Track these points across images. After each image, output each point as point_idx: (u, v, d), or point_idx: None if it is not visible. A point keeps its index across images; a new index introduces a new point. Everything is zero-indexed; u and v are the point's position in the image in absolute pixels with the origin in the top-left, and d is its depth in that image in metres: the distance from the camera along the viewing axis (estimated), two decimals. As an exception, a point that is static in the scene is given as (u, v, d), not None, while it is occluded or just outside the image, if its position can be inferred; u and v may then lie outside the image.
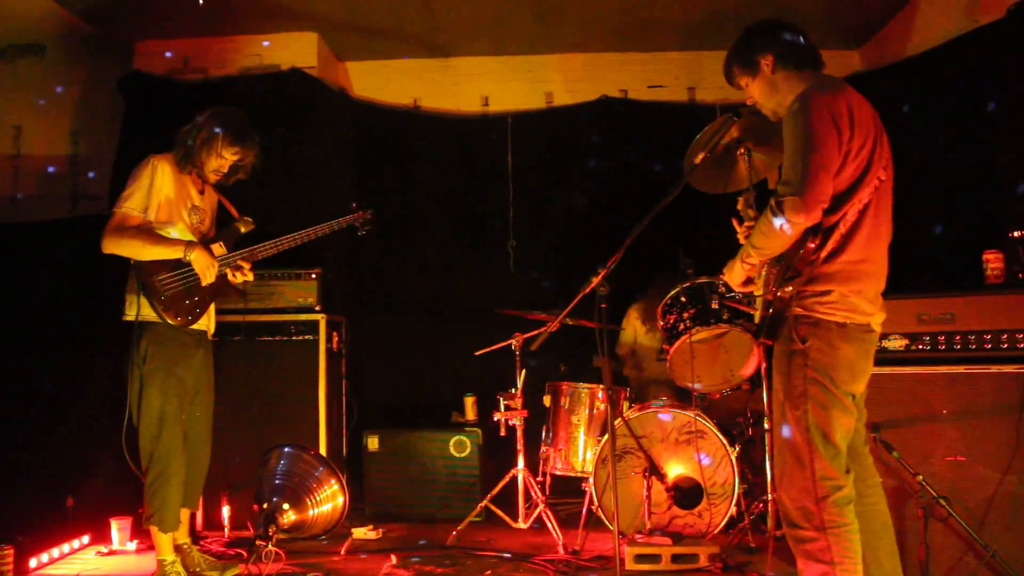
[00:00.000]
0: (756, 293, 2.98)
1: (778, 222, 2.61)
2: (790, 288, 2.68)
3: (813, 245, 2.64)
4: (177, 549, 3.86)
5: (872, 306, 2.75)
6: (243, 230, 3.99)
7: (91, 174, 6.06)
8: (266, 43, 5.93)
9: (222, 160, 3.89)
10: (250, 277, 3.99)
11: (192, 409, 3.90)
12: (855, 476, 2.73)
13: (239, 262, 3.92)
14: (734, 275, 2.97)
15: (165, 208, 3.80)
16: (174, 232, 3.82)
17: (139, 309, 3.71)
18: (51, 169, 6.12)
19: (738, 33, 3.04)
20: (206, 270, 3.77)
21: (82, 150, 6.13)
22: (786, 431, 2.73)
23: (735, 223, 3.16)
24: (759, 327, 2.84)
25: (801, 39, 2.94)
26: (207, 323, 3.98)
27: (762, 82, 2.96)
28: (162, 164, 3.81)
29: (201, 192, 4.00)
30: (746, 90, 3.04)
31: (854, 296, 2.69)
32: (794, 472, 2.69)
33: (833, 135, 2.62)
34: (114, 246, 3.69)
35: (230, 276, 3.95)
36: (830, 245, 2.69)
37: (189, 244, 3.76)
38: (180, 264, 3.76)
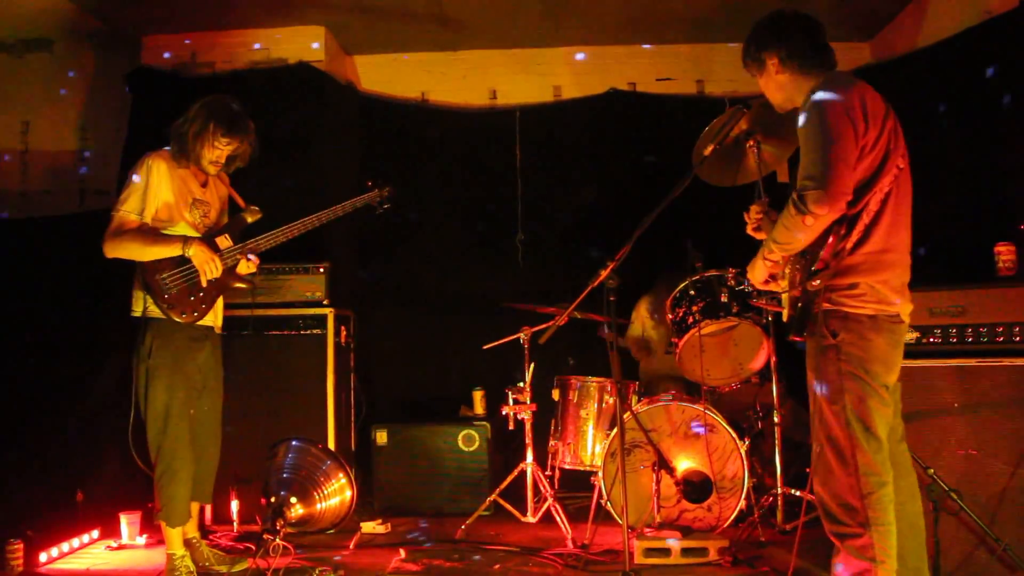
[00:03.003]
0: (779, 291, 2.96)
1: (802, 216, 2.60)
2: (818, 281, 2.66)
3: (836, 237, 2.64)
4: (186, 543, 3.88)
5: (899, 296, 2.74)
6: (250, 220, 3.94)
7: (99, 169, 6.07)
8: (277, 36, 5.92)
9: (217, 151, 3.82)
10: (254, 268, 3.97)
11: (200, 404, 3.90)
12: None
13: (245, 254, 3.90)
14: (756, 273, 2.96)
15: (165, 208, 3.76)
16: (176, 231, 3.78)
17: (145, 305, 3.72)
18: (59, 164, 6.13)
19: (748, 25, 3.03)
20: (205, 265, 3.73)
21: (90, 145, 6.15)
22: (826, 428, 2.70)
23: (746, 216, 3.14)
24: (789, 324, 2.81)
25: (814, 36, 2.91)
26: (214, 318, 3.97)
27: (767, 80, 2.99)
28: (157, 163, 3.76)
29: (204, 185, 3.96)
30: (757, 80, 3.05)
31: (881, 286, 2.68)
32: (836, 469, 2.67)
33: (849, 130, 2.63)
34: (114, 250, 3.69)
35: (239, 268, 3.93)
36: (854, 236, 2.69)
37: (187, 240, 3.72)
38: (183, 261, 3.73)
